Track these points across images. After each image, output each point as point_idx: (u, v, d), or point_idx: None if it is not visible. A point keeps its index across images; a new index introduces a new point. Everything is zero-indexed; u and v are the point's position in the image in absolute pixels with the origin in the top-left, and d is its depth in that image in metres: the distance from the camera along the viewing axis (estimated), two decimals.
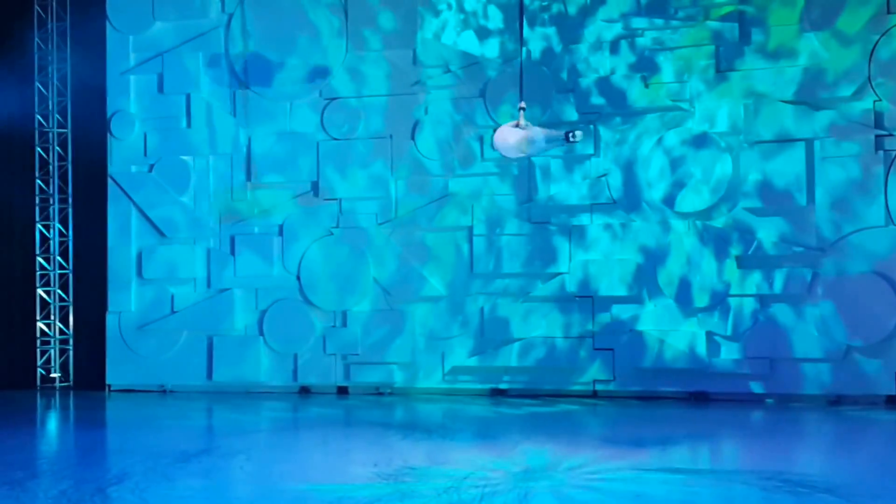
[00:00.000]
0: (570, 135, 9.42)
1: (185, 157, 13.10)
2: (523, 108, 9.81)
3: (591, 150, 11.96)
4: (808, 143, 11.35)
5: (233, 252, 12.98)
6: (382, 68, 12.62)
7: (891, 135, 11.13)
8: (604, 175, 11.94)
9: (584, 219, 12.01)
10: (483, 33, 12.31)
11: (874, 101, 11.14)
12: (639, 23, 11.83)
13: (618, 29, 11.90)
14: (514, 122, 9.72)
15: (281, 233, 12.85)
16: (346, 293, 12.61)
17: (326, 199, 12.72)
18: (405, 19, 12.51)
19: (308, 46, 12.77)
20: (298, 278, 12.77)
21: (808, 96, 11.35)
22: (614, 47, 11.92)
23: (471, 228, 12.31)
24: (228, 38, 13.03)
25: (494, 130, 9.92)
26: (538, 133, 9.71)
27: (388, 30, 12.58)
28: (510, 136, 9.66)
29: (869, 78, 11.13)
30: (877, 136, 11.16)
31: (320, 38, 12.76)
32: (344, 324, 12.63)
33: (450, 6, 12.36)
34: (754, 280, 11.50)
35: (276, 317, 12.80)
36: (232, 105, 13.04)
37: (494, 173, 12.25)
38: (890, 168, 11.12)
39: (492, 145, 9.95)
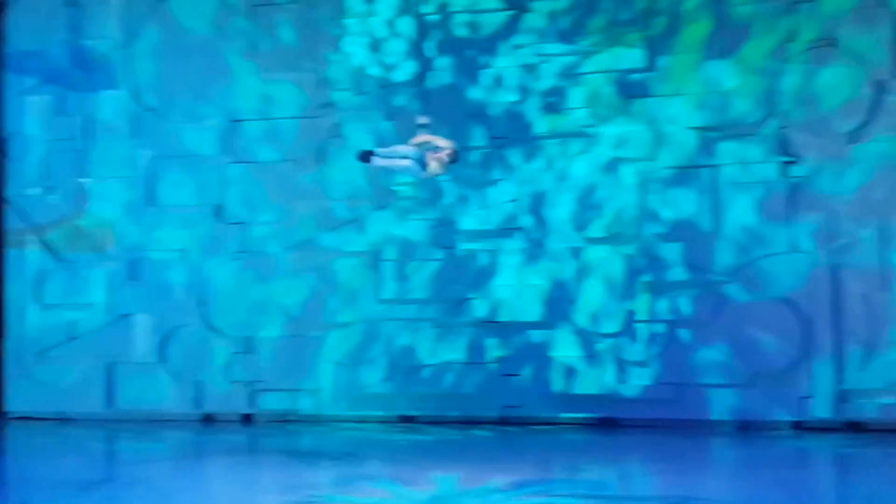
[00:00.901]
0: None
1: (82, 180, 12.78)
2: (424, 125, 9.74)
3: (500, 176, 11.92)
4: (714, 169, 11.45)
5: (133, 276, 12.66)
6: (290, 90, 12.46)
7: (795, 161, 11.27)
8: (513, 200, 11.90)
9: (493, 244, 11.95)
10: (393, 56, 12.22)
11: (779, 128, 11.28)
12: (548, 49, 11.85)
13: (527, 54, 11.90)
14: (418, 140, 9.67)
15: (184, 257, 12.58)
16: (253, 319, 12.38)
17: (231, 223, 12.48)
18: (314, 41, 12.37)
19: (212, 67, 12.55)
20: (202, 303, 12.49)
21: (714, 123, 11.46)
22: (523, 73, 11.91)
23: (380, 253, 12.18)
24: (128, 60, 12.76)
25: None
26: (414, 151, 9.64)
27: (296, 51, 12.42)
28: (394, 152, 9.64)
29: (774, 105, 11.27)
30: (782, 163, 11.29)
31: (225, 59, 12.57)
32: (250, 350, 12.38)
33: (359, 28, 12.27)
34: (662, 306, 11.55)
35: (178, 343, 12.51)
36: (132, 126, 12.74)
37: (405, 198, 12.15)
38: (795, 194, 11.24)
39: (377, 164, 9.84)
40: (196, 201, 12.56)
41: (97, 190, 12.77)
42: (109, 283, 12.69)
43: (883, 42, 10.99)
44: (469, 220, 12.01)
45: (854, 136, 11.09)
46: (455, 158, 9.66)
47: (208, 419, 12.50)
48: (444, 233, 12.06)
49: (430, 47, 12.10)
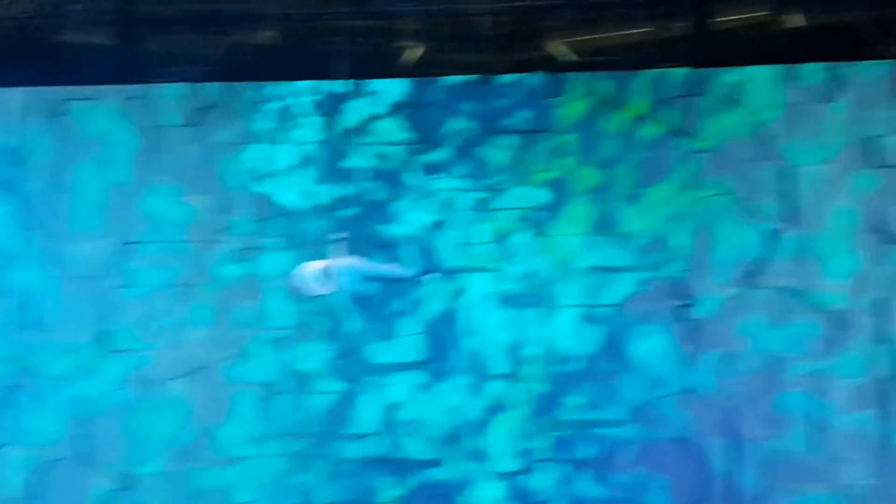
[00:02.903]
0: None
1: None
2: (341, 240, 9.57)
3: (405, 307, 11.76)
4: (616, 308, 11.60)
5: (5, 404, 11.77)
6: (187, 210, 12.06)
7: (690, 305, 11.54)
8: (418, 333, 11.72)
9: (395, 378, 11.68)
10: (297, 182, 12.04)
11: (680, 270, 11.57)
12: (459, 183, 11.91)
13: (438, 185, 11.93)
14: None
15: (61, 385, 11.79)
16: (134, 453, 11.65)
17: (117, 351, 11.82)
18: (215, 162, 12.09)
19: (103, 182, 12.05)
20: (78, 436, 11.70)
21: (616, 262, 11.65)
22: (431, 205, 11.91)
23: (275, 385, 11.71)
24: (14, 168, 12.12)
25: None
26: (345, 264, 9.42)
27: (194, 170, 12.08)
28: (307, 269, 9.37)
29: (675, 247, 11.56)
30: (679, 306, 11.54)
31: (119, 175, 12.08)
32: (128, 488, 11.63)
33: (262, 152, 12.07)
34: (562, 444, 11.46)
35: (49, 479, 11.62)
36: (13, 243, 12.02)
37: (304, 326, 11.78)
38: (693, 334, 11.48)
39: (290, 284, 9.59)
40: (80, 325, 11.86)
41: None
42: None
43: (777, 193, 11.51)
44: (373, 352, 11.72)
45: (750, 277, 11.44)
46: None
47: None
48: (344, 364, 11.72)
49: (338, 176, 11.98)
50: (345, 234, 9.59)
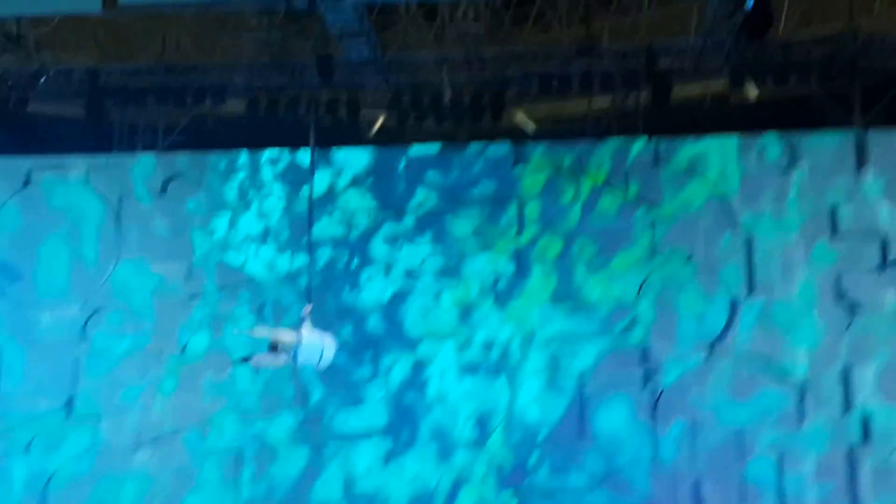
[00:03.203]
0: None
1: None
2: (306, 314, 9.59)
3: (368, 374, 11.76)
4: (581, 375, 11.58)
5: None
6: (154, 279, 12.13)
7: (657, 370, 11.51)
8: (381, 399, 11.71)
9: (360, 444, 11.65)
10: (264, 250, 12.12)
11: (641, 338, 11.57)
12: (417, 251, 11.95)
13: (399, 256, 11.97)
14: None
15: (28, 450, 11.77)
16: None
17: (82, 416, 11.81)
18: (181, 231, 12.18)
19: (71, 250, 12.17)
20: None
21: (579, 330, 11.65)
22: (396, 271, 11.96)
23: (240, 451, 11.68)
24: None
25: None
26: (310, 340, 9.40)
27: (161, 239, 12.18)
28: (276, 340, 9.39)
29: (637, 315, 11.57)
30: (644, 371, 11.52)
31: (87, 244, 12.21)
32: None
33: (228, 221, 12.17)
34: None
35: None
36: None
37: (269, 393, 11.78)
38: (657, 403, 11.44)
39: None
40: (45, 391, 11.87)
41: None
42: None
43: (738, 265, 11.54)
44: (338, 419, 11.71)
45: (713, 346, 11.44)
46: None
47: None
48: (309, 430, 11.70)
49: (302, 245, 12.03)
50: (309, 308, 9.65)
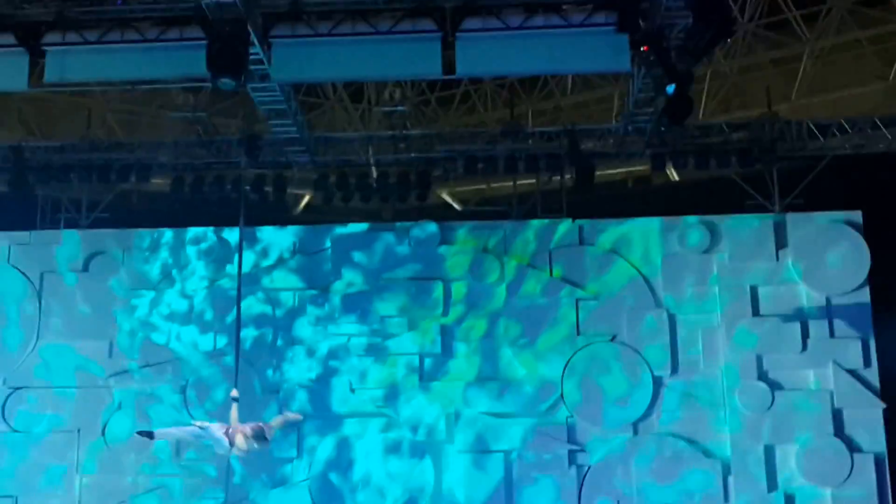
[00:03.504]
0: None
1: None
2: (236, 398, 9.50)
3: (294, 454, 11.64)
4: (507, 454, 11.54)
5: None
6: (74, 359, 11.96)
7: (583, 450, 11.52)
8: (305, 480, 11.58)
9: None
10: (188, 328, 12.01)
11: (567, 417, 11.58)
12: (343, 329, 11.91)
13: (326, 334, 11.92)
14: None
15: None
16: None
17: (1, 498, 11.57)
18: (104, 308, 12.05)
19: None
20: None
21: (507, 408, 11.64)
22: (321, 350, 11.88)
23: None
24: None
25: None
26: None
27: (84, 318, 12.04)
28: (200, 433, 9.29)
29: (562, 395, 11.60)
30: (569, 451, 11.51)
31: (8, 322, 12.07)
32: None
33: (151, 299, 12.06)
34: None
35: None
36: None
37: (192, 475, 11.64)
38: (583, 483, 11.42)
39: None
40: None
41: None
42: None
43: (661, 345, 11.62)
44: (259, 500, 11.55)
45: (637, 426, 11.49)
46: (260, 435, 9.33)
47: None
48: None
49: (228, 321, 11.93)
50: (237, 393, 9.56)
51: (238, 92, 10.32)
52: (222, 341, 11.92)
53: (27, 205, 12.32)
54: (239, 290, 11.20)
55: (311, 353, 11.90)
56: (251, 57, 9.38)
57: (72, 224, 12.44)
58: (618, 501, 11.34)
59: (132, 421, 11.68)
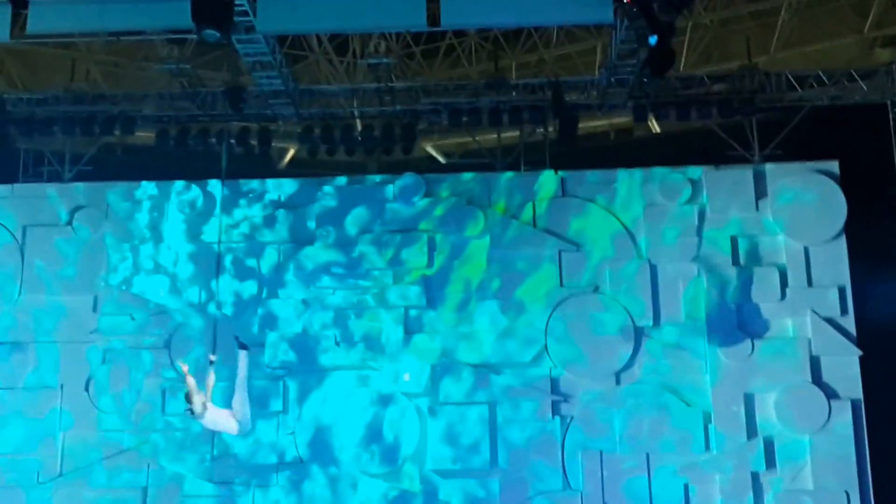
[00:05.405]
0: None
1: None
2: (213, 361, 9.65)
3: (279, 407, 11.71)
4: (491, 405, 11.66)
5: None
6: (58, 313, 11.98)
7: (566, 401, 11.67)
8: (291, 433, 11.68)
9: (270, 478, 11.57)
10: (173, 282, 12.02)
11: (550, 368, 11.72)
12: (328, 282, 11.96)
13: (310, 287, 11.97)
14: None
15: None
16: None
17: None
18: (88, 262, 12.05)
19: None
20: None
21: (491, 360, 11.76)
22: (307, 304, 11.95)
23: (146, 490, 11.56)
24: None
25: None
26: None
27: (68, 272, 12.05)
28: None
29: (546, 346, 11.73)
30: (553, 402, 11.65)
31: None
32: None
33: (136, 252, 12.06)
34: None
35: None
36: None
37: (176, 429, 11.70)
38: (566, 433, 11.57)
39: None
40: None
41: None
42: None
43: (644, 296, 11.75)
44: (245, 453, 11.62)
45: (618, 376, 11.63)
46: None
47: None
48: (217, 465, 11.59)
49: (212, 276, 11.98)
50: (215, 357, 9.67)
51: (223, 44, 10.32)
52: (207, 295, 11.96)
53: (9, 158, 12.27)
54: (219, 243, 11.32)
55: (295, 306, 11.95)
56: (236, 8, 9.41)
57: (55, 177, 12.40)
58: (601, 451, 11.47)
59: (116, 376, 11.74)
